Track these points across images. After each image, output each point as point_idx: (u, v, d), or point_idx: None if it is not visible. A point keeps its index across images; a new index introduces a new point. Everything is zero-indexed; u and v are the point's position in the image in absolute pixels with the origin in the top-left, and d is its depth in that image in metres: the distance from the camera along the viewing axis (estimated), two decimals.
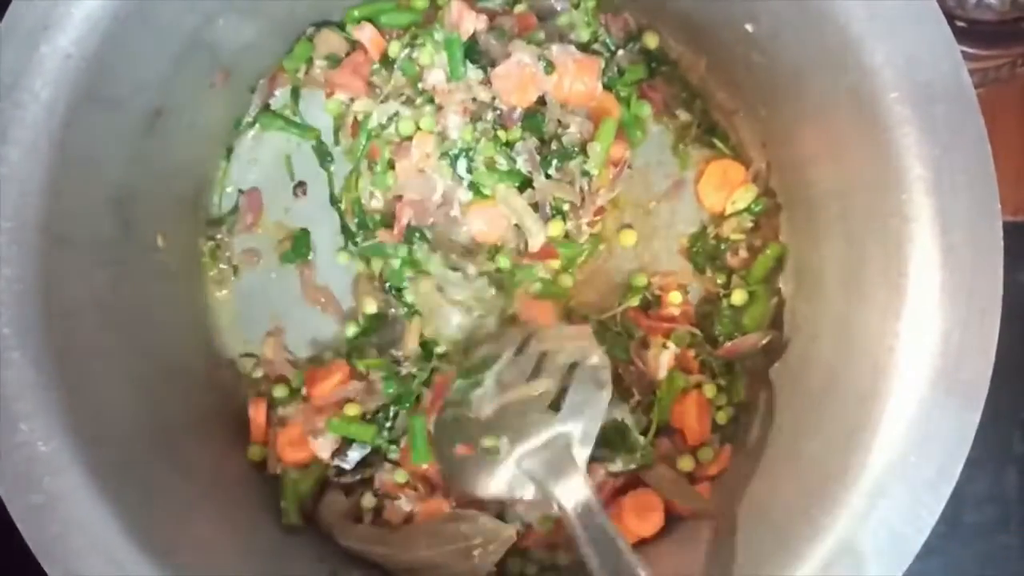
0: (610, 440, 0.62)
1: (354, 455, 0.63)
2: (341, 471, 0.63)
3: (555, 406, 0.57)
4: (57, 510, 0.49)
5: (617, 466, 0.62)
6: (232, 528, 0.59)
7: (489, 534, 0.59)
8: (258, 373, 0.67)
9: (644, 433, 0.63)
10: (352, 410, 0.63)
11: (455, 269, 0.63)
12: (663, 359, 0.65)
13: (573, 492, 0.54)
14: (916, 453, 0.48)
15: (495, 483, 0.56)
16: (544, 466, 0.55)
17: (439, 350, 0.64)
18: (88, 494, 0.50)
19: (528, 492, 0.56)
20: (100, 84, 0.53)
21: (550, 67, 0.61)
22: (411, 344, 0.64)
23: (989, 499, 0.79)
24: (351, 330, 0.67)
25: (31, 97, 0.50)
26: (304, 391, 0.65)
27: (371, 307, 0.66)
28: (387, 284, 0.66)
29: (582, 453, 0.55)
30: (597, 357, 0.59)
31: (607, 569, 0.50)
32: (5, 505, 0.49)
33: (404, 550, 0.60)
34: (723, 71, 0.66)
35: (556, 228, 0.64)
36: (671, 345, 0.65)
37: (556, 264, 0.66)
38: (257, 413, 0.65)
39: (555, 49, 0.61)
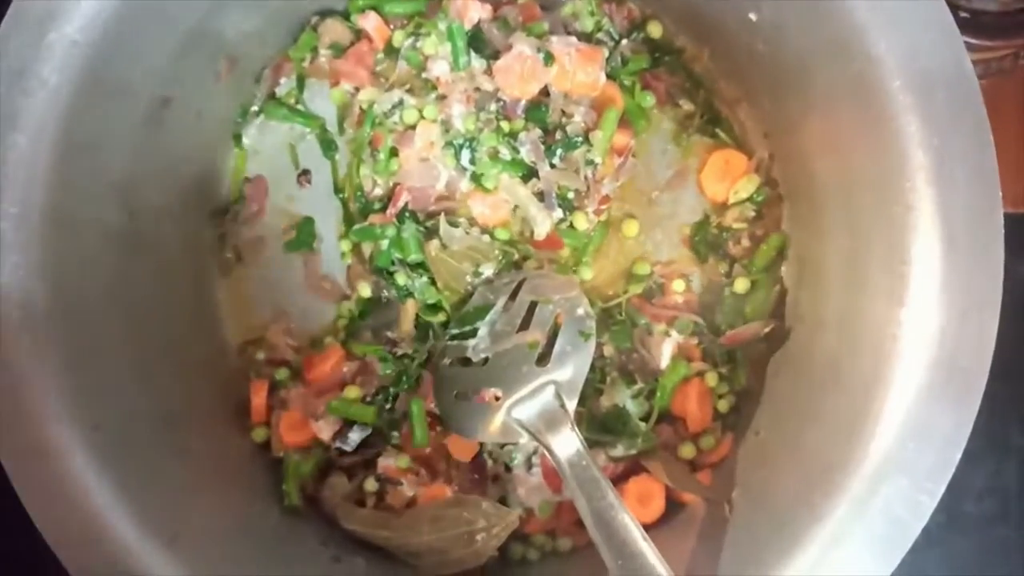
0: (611, 426, 0.63)
1: (355, 437, 0.63)
2: (342, 453, 0.64)
3: (544, 356, 0.60)
4: (64, 494, 0.50)
5: (618, 451, 0.62)
6: (235, 512, 0.60)
7: (491, 519, 0.60)
8: (260, 356, 0.67)
9: (645, 419, 0.63)
10: (352, 392, 0.64)
11: (455, 225, 0.64)
12: (666, 347, 0.65)
13: (562, 439, 0.56)
14: (916, 440, 0.49)
15: (488, 429, 0.59)
16: (535, 415, 0.58)
17: (439, 318, 0.65)
18: (93, 478, 0.51)
19: (519, 437, 0.59)
20: (106, 71, 0.53)
21: (550, 58, 0.61)
22: (406, 326, 0.65)
23: (989, 492, 0.80)
24: (344, 314, 0.67)
25: (39, 84, 0.50)
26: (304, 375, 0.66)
27: (365, 291, 0.67)
28: (377, 266, 0.66)
29: (569, 402, 0.58)
30: (583, 309, 0.61)
31: (593, 509, 0.53)
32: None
33: (407, 534, 0.60)
34: (726, 61, 0.66)
35: (582, 221, 0.65)
36: (674, 333, 0.65)
37: (565, 253, 0.66)
38: (258, 395, 0.65)
39: (555, 40, 0.62)
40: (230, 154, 0.69)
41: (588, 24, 0.66)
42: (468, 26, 0.64)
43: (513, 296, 0.62)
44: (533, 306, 0.62)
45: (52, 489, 0.50)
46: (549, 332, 0.61)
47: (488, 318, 0.62)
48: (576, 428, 0.56)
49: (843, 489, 0.50)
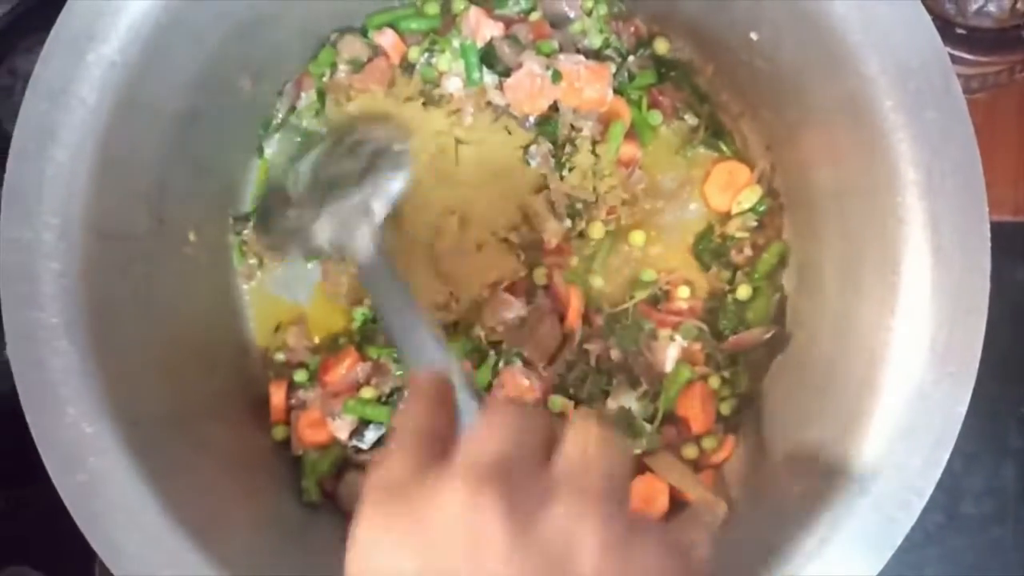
0: (617, 427, 0.65)
1: (371, 435, 0.66)
2: (359, 451, 0.67)
3: (361, 177, 0.58)
4: (101, 488, 0.52)
5: None
6: (257, 507, 0.63)
7: None
8: (280, 358, 0.70)
9: (650, 421, 0.66)
10: (368, 393, 0.66)
11: None
12: (671, 351, 0.67)
13: (360, 244, 0.54)
14: (906, 441, 0.51)
15: (307, 245, 0.58)
16: (341, 226, 0.56)
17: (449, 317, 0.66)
18: (128, 473, 0.53)
19: (335, 252, 0.57)
20: (140, 89, 0.56)
21: (558, 76, 0.64)
22: None
23: (986, 492, 0.81)
24: (358, 318, 0.69)
25: (79, 102, 0.53)
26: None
27: None
28: None
29: (373, 219, 0.56)
30: (400, 145, 0.60)
31: (395, 320, 0.51)
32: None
33: None
34: (729, 76, 0.69)
35: (597, 230, 0.67)
36: (678, 337, 0.68)
37: (574, 261, 0.69)
38: (277, 394, 0.68)
39: (563, 59, 0.65)
40: (253, 165, 0.72)
41: (596, 41, 0.69)
42: (481, 43, 0.66)
43: (337, 142, 0.62)
44: (355, 145, 0.61)
45: (90, 483, 0.52)
46: (367, 163, 0.59)
47: (310, 156, 0.62)
48: (377, 238, 0.55)
49: (836, 489, 0.52)
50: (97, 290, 0.55)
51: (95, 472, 0.53)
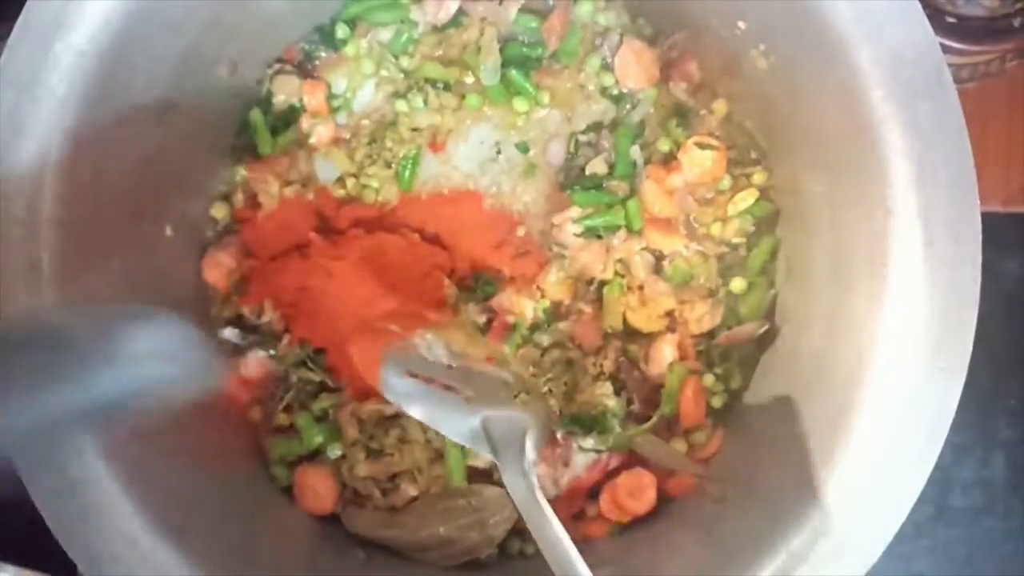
0: (583, 418, 0.64)
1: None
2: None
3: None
4: (76, 492, 0.51)
5: (588, 443, 0.63)
6: (239, 511, 0.61)
7: (499, 502, 0.61)
8: None
9: (623, 420, 0.64)
10: None
11: None
12: (666, 352, 0.65)
13: (518, 480, 0.54)
14: (897, 435, 0.51)
15: (462, 428, 0.57)
16: (501, 439, 0.56)
17: None
18: (105, 475, 0.52)
19: (484, 450, 0.56)
20: (112, 80, 0.54)
21: None
22: None
23: (976, 484, 0.82)
24: None
25: (47, 92, 0.51)
26: None
27: None
28: None
29: (531, 450, 0.56)
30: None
31: (551, 556, 0.51)
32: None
33: (416, 529, 0.62)
34: (718, 68, 0.67)
35: None
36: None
37: None
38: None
39: None
40: (228, 159, 0.70)
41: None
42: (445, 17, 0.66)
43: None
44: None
45: (63, 487, 0.51)
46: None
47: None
48: (534, 472, 0.55)
49: (827, 483, 0.52)
50: (70, 287, 0.53)
51: (71, 476, 0.51)
